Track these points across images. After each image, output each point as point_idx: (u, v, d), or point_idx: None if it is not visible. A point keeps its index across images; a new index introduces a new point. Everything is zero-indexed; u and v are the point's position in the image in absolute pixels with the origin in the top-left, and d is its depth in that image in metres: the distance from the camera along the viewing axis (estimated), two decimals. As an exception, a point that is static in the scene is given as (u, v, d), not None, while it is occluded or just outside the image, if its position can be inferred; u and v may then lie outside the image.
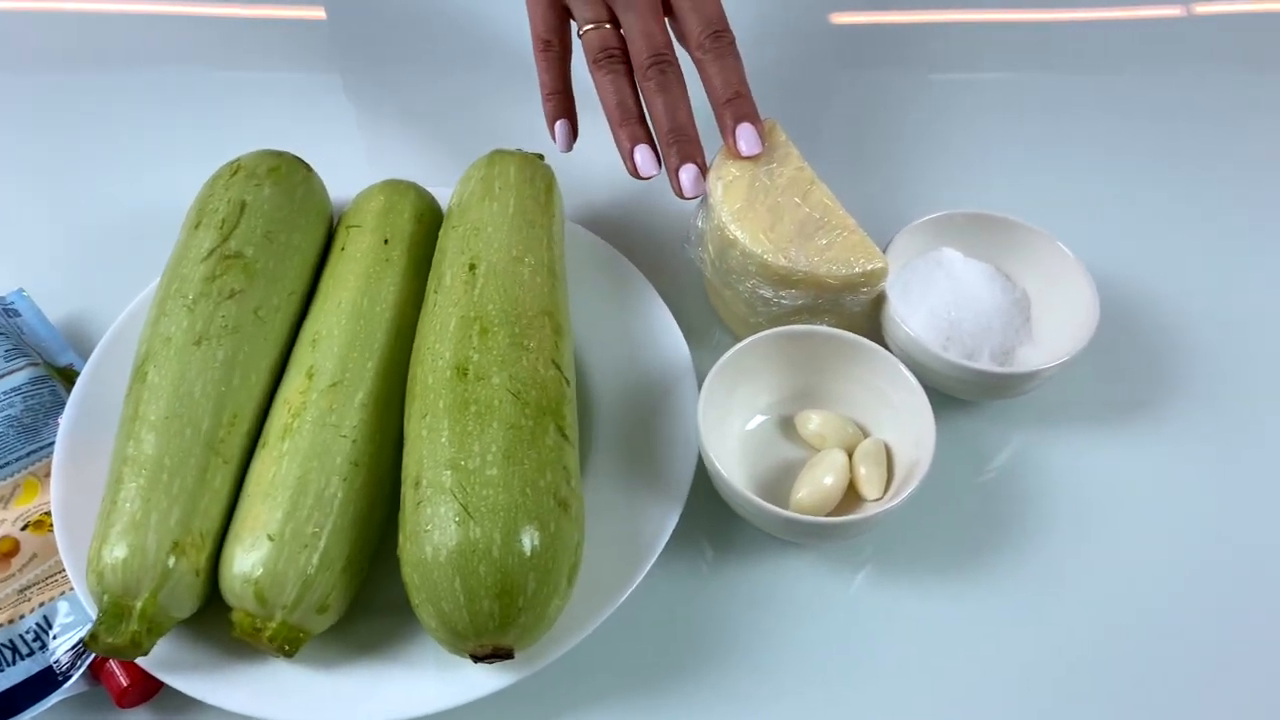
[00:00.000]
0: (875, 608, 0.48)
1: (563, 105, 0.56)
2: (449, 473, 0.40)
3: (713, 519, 0.50)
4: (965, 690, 0.46)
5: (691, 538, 0.49)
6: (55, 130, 0.71)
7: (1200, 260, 0.62)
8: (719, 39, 0.52)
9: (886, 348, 0.50)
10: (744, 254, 0.50)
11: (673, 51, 0.52)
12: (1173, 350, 0.57)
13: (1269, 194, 0.66)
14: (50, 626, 0.44)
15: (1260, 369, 0.57)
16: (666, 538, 0.46)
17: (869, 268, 0.50)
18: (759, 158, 0.52)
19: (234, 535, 0.42)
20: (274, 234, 0.50)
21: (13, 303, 0.57)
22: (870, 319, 0.53)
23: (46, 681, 0.43)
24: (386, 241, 0.51)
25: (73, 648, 0.44)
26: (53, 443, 0.49)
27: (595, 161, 0.58)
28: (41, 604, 0.45)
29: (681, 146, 0.51)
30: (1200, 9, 0.80)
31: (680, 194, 0.52)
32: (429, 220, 0.54)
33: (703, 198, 0.53)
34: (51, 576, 0.46)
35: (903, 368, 0.49)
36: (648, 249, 0.59)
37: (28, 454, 0.50)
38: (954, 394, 0.53)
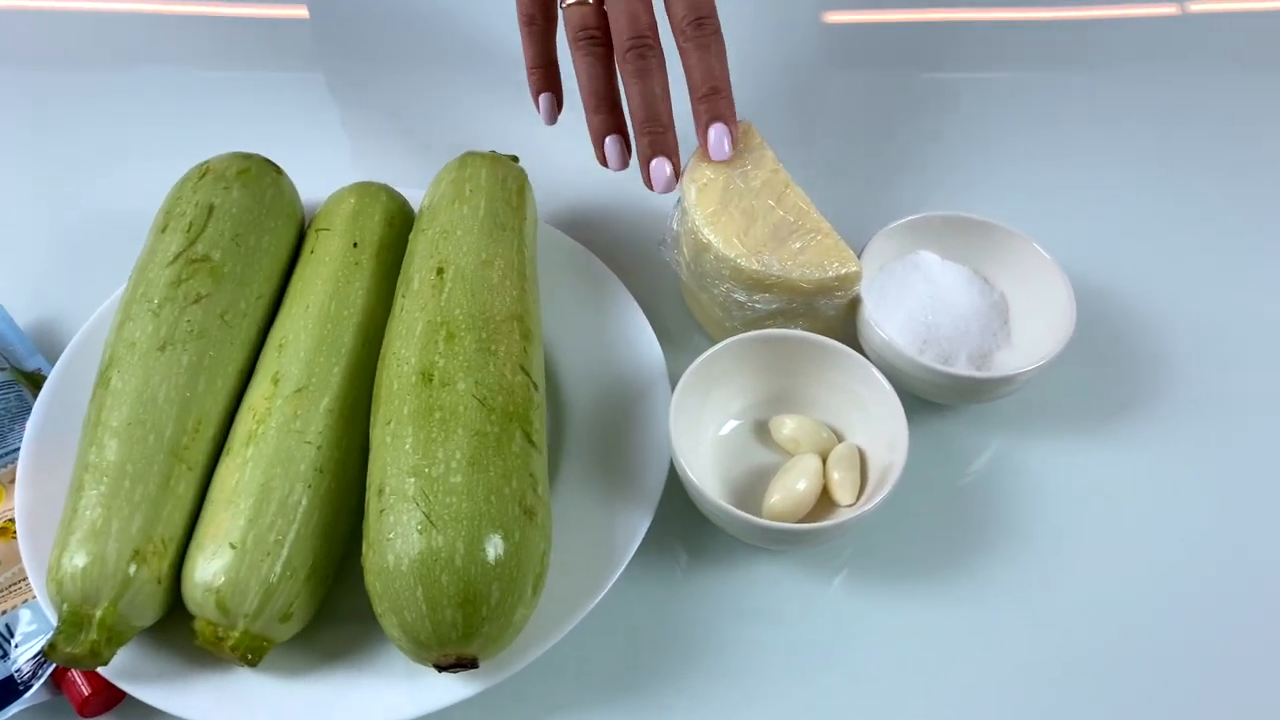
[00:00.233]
0: (852, 613, 0.47)
1: (546, 79, 0.55)
2: (412, 480, 0.40)
3: (687, 524, 0.49)
4: (942, 696, 0.45)
5: (666, 543, 0.49)
6: (25, 131, 0.70)
7: (1178, 262, 0.62)
8: (701, 26, 0.49)
9: (862, 352, 0.50)
10: (718, 258, 0.50)
11: (656, 35, 0.50)
12: (1151, 352, 0.57)
13: (1249, 197, 0.66)
14: (12, 635, 0.44)
15: (1238, 371, 0.56)
16: (637, 544, 0.45)
17: (842, 271, 0.49)
18: (732, 160, 0.52)
19: (196, 543, 0.41)
20: (242, 237, 0.50)
21: (-19, 306, 0.57)
22: (846, 322, 0.53)
23: (8, 691, 0.42)
24: (356, 245, 0.51)
25: (34, 656, 0.43)
26: (18, 448, 0.48)
27: (571, 163, 0.57)
28: (4, 612, 0.44)
29: (655, 138, 0.50)
30: (1195, 7, 0.79)
31: (651, 188, 0.51)
32: (400, 223, 0.53)
33: (678, 199, 0.53)
34: (15, 584, 0.45)
35: (875, 371, 0.48)
36: (625, 251, 0.59)
37: (-7, 460, 0.49)
38: (931, 398, 0.53)
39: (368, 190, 0.54)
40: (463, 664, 0.39)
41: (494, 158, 0.55)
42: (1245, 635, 0.47)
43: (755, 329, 0.50)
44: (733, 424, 0.52)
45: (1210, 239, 0.63)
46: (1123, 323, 0.58)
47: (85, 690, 0.42)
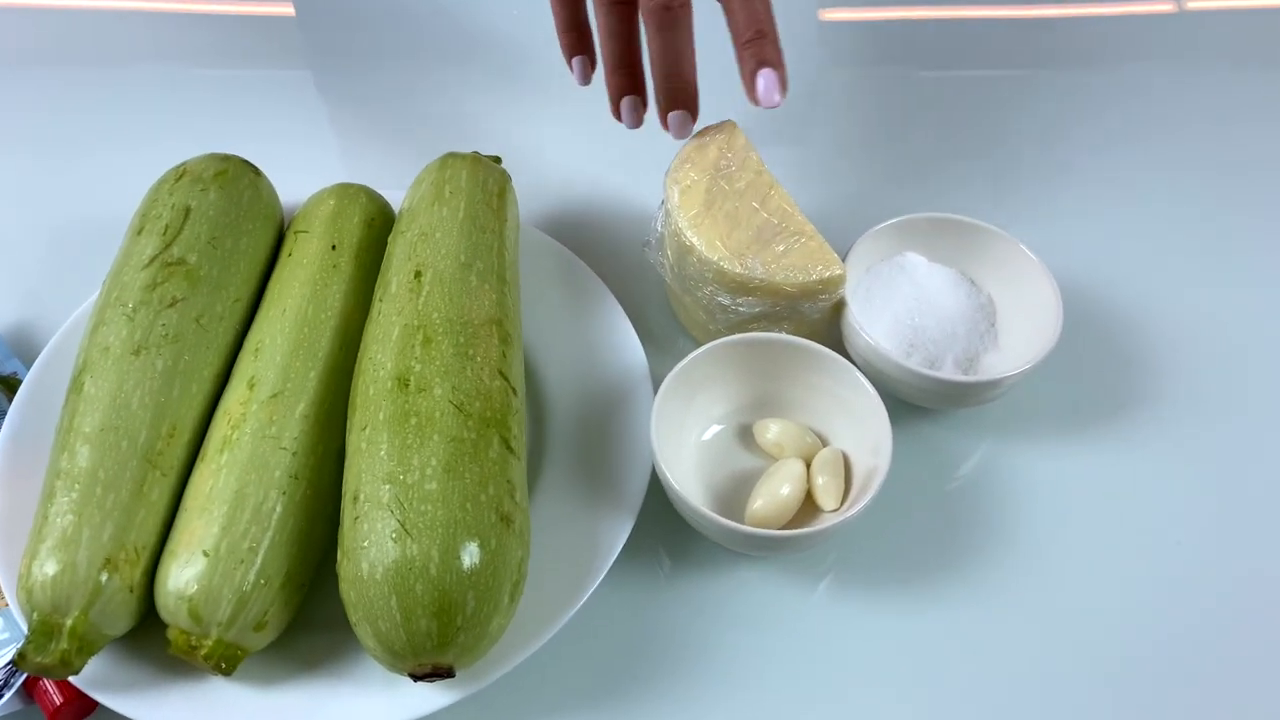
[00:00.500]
0: (837, 618, 0.47)
1: (576, 42, 0.53)
2: (387, 487, 0.39)
3: (670, 529, 0.49)
4: (927, 701, 0.45)
5: (649, 548, 0.49)
6: None
7: (1166, 263, 0.61)
8: None
9: (848, 356, 0.49)
10: (701, 260, 0.49)
11: None
12: (1138, 354, 0.56)
13: (1237, 197, 0.65)
14: (-16, 643, 0.43)
15: (1227, 373, 0.56)
16: (619, 549, 0.45)
17: (826, 275, 0.49)
18: (716, 162, 0.51)
19: (169, 551, 0.41)
20: (219, 240, 0.49)
21: (-42, 309, 0.56)
22: (831, 326, 0.52)
23: (-21, 700, 0.42)
24: (334, 247, 0.50)
25: (5, 665, 0.43)
26: (-7, 453, 0.48)
27: (555, 163, 0.57)
28: (-24, 620, 0.44)
29: (675, 94, 0.48)
30: (1191, 5, 0.79)
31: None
32: (379, 225, 0.53)
33: (662, 200, 0.52)
34: (-13, 592, 0.45)
35: (859, 374, 0.48)
36: (610, 253, 0.58)
37: (-32, 465, 0.49)
38: (917, 403, 0.52)
39: (347, 192, 0.53)
40: (439, 673, 0.39)
41: (475, 159, 0.54)
42: (1232, 640, 0.47)
43: (739, 332, 0.50)
44: (716, 428, 0.51)
45: (1199, 240, 0.63)
46: (1110, 324, 0.58)
47: (57, 699, 0.42)
